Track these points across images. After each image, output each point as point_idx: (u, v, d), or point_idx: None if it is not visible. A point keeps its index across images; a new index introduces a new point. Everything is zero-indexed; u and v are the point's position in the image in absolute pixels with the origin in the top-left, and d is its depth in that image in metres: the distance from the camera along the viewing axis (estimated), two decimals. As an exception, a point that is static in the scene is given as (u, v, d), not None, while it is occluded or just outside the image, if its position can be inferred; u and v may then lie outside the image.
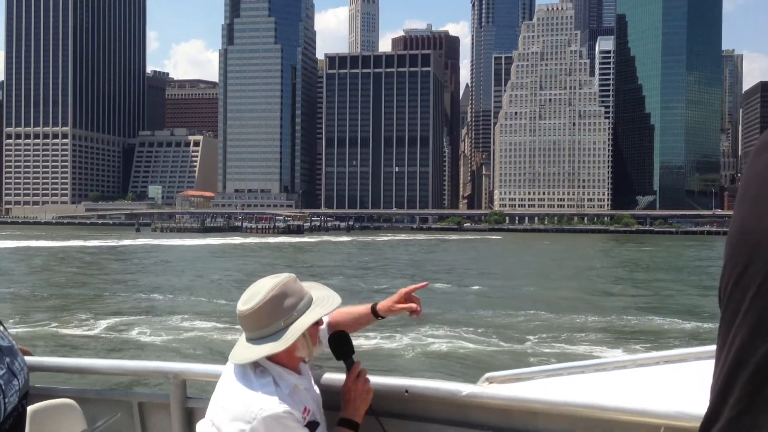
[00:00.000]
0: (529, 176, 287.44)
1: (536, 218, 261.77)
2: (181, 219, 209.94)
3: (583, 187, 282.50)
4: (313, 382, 2.70)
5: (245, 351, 2.53)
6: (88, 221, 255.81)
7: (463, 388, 2.55)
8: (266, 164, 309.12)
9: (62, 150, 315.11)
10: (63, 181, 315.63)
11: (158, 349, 22.13)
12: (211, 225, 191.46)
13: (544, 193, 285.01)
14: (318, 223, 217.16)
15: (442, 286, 41.40)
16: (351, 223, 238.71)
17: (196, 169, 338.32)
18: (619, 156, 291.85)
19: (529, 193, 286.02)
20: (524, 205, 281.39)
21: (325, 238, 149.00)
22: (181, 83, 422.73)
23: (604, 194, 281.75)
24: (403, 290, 2.88)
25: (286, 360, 2.54)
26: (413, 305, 2.86)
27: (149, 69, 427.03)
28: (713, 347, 1.26)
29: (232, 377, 2.55)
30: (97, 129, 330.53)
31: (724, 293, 1.17)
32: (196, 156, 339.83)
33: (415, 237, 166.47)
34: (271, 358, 2.51)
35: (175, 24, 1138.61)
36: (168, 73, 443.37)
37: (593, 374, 2.57)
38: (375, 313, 2.93)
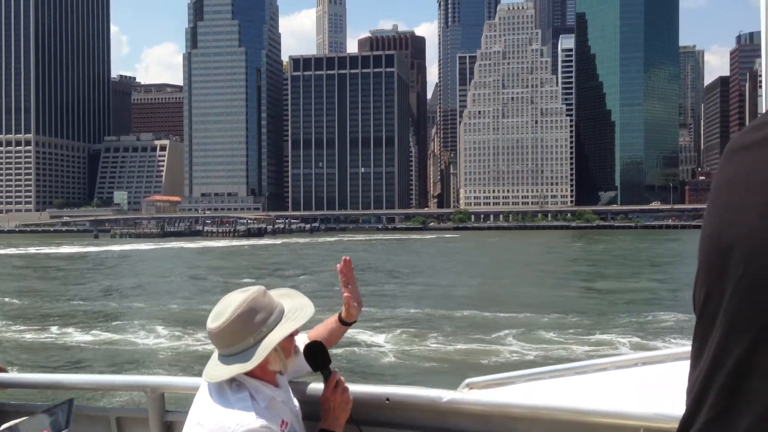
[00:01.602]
0: (494, 174, 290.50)
1: (501, 216, 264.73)
2: (148, 224, 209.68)
3: (546, 184, 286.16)
4: (291, 393, 2.68)
5: (216, 369, 2.50)
6: (52, 228, 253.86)
7: (444, 395, 2.55)
8: (232, 167, 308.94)
9: (26, 157, 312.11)
10: (27, 188, 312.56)
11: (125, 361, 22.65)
12: (172, 230, 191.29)
13: (508, 191, 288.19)
14: (282, 226, 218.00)
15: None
16: (316, 225, 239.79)
17: (163, 173, 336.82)
18: (581, 153, 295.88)
19: (494, 191, 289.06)
20: (489, 203, 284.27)
21: (285, 240, 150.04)
22: (147, 87, 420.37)
23: (566, 191, 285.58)
24: (343, 281, 2.87)
25: (260, 374, 2.51)
26: (345, 295, 2.87)
27: (117, 73, 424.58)
28: (689, 348, 1.29)
29: (208, 392, 2.53)
30: (61, 135, 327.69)
31: (698, 297, 1.19)
32: (163, 161, 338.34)
33: (374, 237, 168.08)
34: (247, 372, 2.47)
35: (146, 27, 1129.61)
36: (134, 78, 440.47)
37: (573, 377, 2.58)
38: (342, 321, 2.94)
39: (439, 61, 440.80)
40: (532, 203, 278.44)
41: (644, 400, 2.22)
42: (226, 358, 2.48)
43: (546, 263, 69.80)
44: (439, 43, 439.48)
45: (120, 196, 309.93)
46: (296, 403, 2.68)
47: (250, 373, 2.48)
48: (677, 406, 1.32)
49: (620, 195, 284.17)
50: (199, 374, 2.67)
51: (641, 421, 2.18)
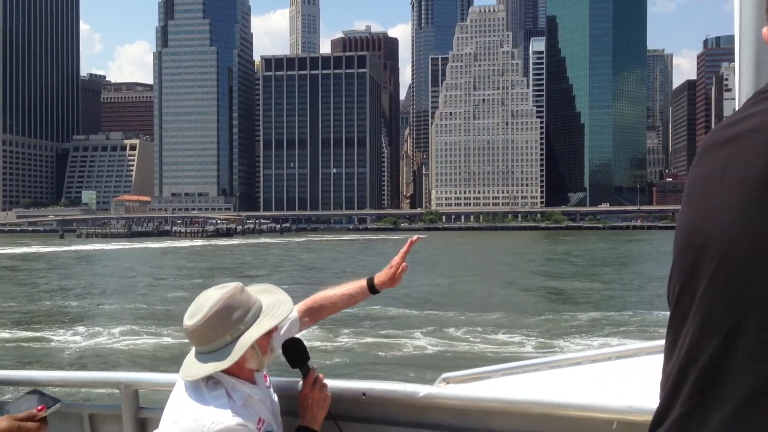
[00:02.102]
0: (465, 175, 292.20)
1: (471, 216, 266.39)
2: (116, 224, 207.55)
3: (517, 185, 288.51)
4: (270, 390, 2.67)
5: (192, 367, 2.47)
6: (19, 228, 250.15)
7: (421, 390, 2.56)
8: (203, 167, 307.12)
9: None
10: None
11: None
12: (140, 230, 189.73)
13: (479, 192, 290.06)
14: (252, 226, 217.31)
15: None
16: (287, 225, 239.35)
17: (133, 173, 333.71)
18: (551, 154, 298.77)
19: (465, 192, 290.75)
20: (460, 204, 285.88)
21: (253, 240, 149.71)
22: (117, 86, 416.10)
23: (537, 192, 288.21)
24: (396, 259, 2.89)
25: (237, 371, 2.48)
26: (404, 265, 2.88)
27: (89, 71, 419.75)
28: (662, 342, 1.30)
29: (184, 390, 2.50)
30: (28, 134, 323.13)
31: (672, 292, 1.21)
32: (133, 160, 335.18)
33: (343, 237, 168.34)
34: (223, 370, 2.45)
35: (119, 25, 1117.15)
36: (105, 76, 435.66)
37: (548, 371, 2.61)
38: (372, 288, 2.91)
39: (413, 62, 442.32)
40: (502, 204, 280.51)
41: (618, 394, 2.24)
42: (203, 356, 2.46)
43: (506, 264, 70.69)
44: (413, 45, 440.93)
45: (88, 196, 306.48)
46: (275, 399, 2.68)
47: (226, 371, 2.46)
48: (651, 400, 1.33)
49: (589, 196, 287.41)
50: (173, 371, 2.63)
51: (615, 414, 2.20)
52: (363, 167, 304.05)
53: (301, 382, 2.70)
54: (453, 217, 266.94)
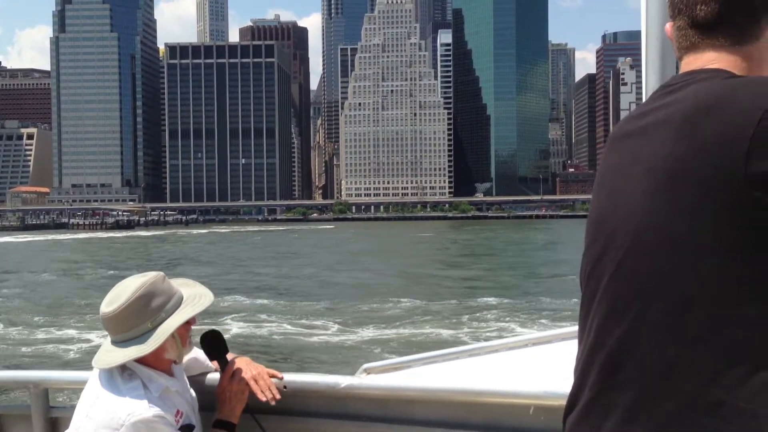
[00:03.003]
0: (374, 166, 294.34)
1: (381, 207, 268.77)
2: (12, 217, 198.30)
3: (425, 175, 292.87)
4: (187, 384, 2.61)
5: (109, 354, 2.39)
6: None
7: (342, 380, 2.56)
8: (106, 157, 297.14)
9: None
10: None
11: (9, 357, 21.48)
12: (34, 222, 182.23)
13: (388, 182, 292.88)
14: (156, 218, 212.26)
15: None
16: (194, 216, 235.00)
17: (30, 163, 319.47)
18: (459, 145, 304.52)
19: (374, 183, 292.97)
20: (370, 194, 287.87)
21: (155, 232, 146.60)
22: (13, 72, 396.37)
23: (444, 182, 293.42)
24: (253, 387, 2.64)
25: (154, 362, 2.42)
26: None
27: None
28: (576, 328, 1.34)
29: (98, 383, 2.41)
30: None
31: (582, 278, 1.27)
32: (30, 150, 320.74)
33: (247, 229, 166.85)
34: (140, 360, 2.39)
35: (18, 8, 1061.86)
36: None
37: (467, 359, 2.65)
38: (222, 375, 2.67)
39: (323, 52, 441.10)
40: (411, 194, 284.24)
41: (535, 380, 2.29)
42: (121, 344, 2.40)
43: (397, 253, 72.14)
44: (323, 35, 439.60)
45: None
46: (192, 393, 2.62)
47: (143, 362, 2.40)
48: (566, 385, 1.38)
49: (495, 186, 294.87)
50: (84, 369, 2.55)
51: (532, 400, 2.25)
52: (272, 158, 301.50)
53: (218, 376, 2.65)
54: (363, 207, 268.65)
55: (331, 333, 24.62)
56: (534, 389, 2.25)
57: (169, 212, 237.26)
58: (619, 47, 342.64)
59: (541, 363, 2.48)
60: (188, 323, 2.49)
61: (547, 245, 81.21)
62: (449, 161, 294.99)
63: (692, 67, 1.25)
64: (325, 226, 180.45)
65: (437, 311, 28.91)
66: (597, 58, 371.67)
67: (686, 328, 1.12)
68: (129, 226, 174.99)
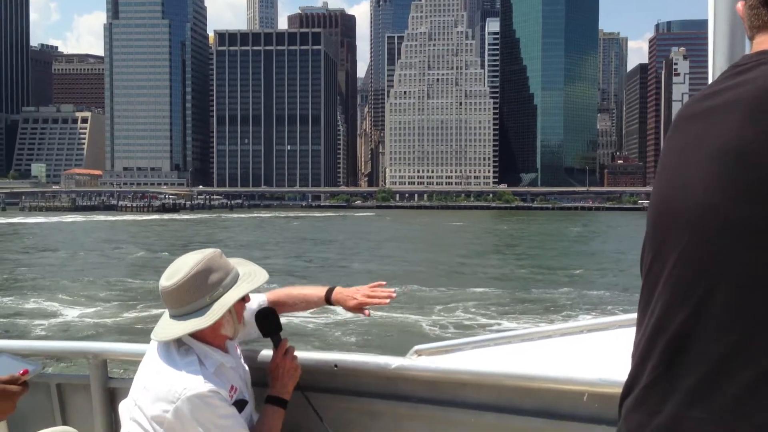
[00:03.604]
0: (418, 154, 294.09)
1: (425, 195, 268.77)
2: (65, 198, 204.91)
3: (469, 165, 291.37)
4: (241, 359, 2.67)
5: (168, 328, 2.46)
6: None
7: (393, 361, 2.57)
8: (156, 142, 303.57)
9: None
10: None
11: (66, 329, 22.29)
12: (85, 204, 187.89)
13: (432, 171, 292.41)
14: (202, 202, 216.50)
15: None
16: (239, 201, 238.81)
17: (84, 146, 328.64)
18: (504, 135, 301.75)
19: (418, 171, 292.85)
20: (413, 183, 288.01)
21: (199, 215, 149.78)
22: (69, 57, 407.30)
23: (489, 172, 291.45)
24: (365, 292, 2.82)
25: (210, 338, 2.47)
26: (381, 299, 2.80)
27: (44, 41, 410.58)
28: (634, 315, 1.31)
29: (155, 356, 2.48)
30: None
31: (645, 261, 1.23)
32: (84, 133, 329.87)
33: (290, 214, 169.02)
34: (196, 336, 2.44)
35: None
36: (56, 47, 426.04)
37: (519, 344, 2.62)
38: (329, 299, 2.86)
39: (371, 40, 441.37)
40: (455, 183, 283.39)
41: (589, 366, 2.25)
42: (179, 318, 2.45)
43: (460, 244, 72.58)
44: (371, 22, 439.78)
45: (38, 169, 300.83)
46: (246, 368, 2.67)
47: (199, 338, 2.45)
48: (621, 372, 1.35)
49: (540, 177, 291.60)
50: (143, 342, 2.62)
51: (586, 386, 2.23)
52: (317, 144, 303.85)
53: (271, 353, 2.69)
54: (406, 195, 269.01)
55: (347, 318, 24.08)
56: (588, 376, 2.22)
57: (215, 196, 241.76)
58: (673, 37, 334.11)
59: (596, 350, 2.44)
60: (243, 300, 2.53)
61: (579, 238, 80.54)
62: (494, 151, 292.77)
63: (764, 47, 1.21)
64: (364, 213, 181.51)
65: (433, 297, 29.37)
66: (650, 47, 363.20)
67: (751, 310, 1.09)
68: (174, 209, 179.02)
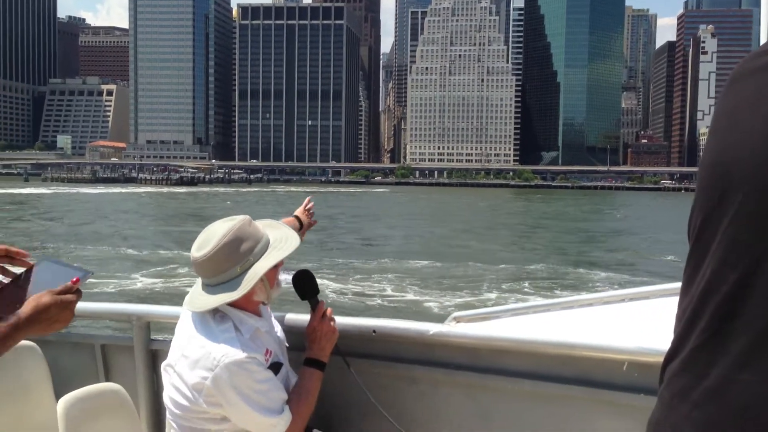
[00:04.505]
0: (439, 131, 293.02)
1: (445, 172, 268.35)
2: (86, 169, 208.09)
3: (490, 142, 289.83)
4: (275, 323, 2.70)
5: (201, 298, 2.48)
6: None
7: (431, 328, 2.57)
8: (179, 115, 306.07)
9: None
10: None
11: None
12: (105, 176, 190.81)
13: (452, 148, 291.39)
14: (221, 175, 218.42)
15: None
16: (259, 175, 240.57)
17: (110, 119, 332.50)
18: (526, 113, 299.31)
19: (439, 148, 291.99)
20: (434, 159, 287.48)
21: (213, 189, 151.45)
22: (96, 30, 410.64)
23: (509, 150, 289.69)
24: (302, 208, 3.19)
25: (245, 304, 2.49)
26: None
27: (74, 13, 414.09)
28: (677, 284, 1.29)
29: (191, 323, 2.51)
30: (3, 76, 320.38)
31: (695, 224, 1.18)
32: (110, 106, 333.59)
33: (307, 189, 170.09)
34: (230, 303, 2.46)
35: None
36: (84, 19, 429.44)
37: (559, 312, 2.61)
38: (300, 224, 3.09)
39: (396, 15, 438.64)
40: (475, 161, 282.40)
41: (630, 335, 2.24)
42: (212, 288, 2.46)
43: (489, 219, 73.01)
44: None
45: (63, 140, 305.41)
46: (279, 331, 2.70)
47: (234, 304, 2.46)
48: (662, 341, 1.34)
49: (561, 156, 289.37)
50: (180, 305, 2.68)
51: (626, 355, 2.21)
52: (338, 120, 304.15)
53: (308, 317, 2.70)
54: (426, 172, 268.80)
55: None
56: (629, 345, 2.20)
57: (235, 171, 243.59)
58: (703, 14, 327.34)
59: (637, 319, 2.43)
60: (276, 265, 2.53)
61: (587, 215, 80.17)
62: (516, 129, 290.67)
63: None
64: (380, 190, 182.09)
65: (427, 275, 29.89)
66: (678, 25, 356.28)
67: None
68: (192, 182, 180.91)
